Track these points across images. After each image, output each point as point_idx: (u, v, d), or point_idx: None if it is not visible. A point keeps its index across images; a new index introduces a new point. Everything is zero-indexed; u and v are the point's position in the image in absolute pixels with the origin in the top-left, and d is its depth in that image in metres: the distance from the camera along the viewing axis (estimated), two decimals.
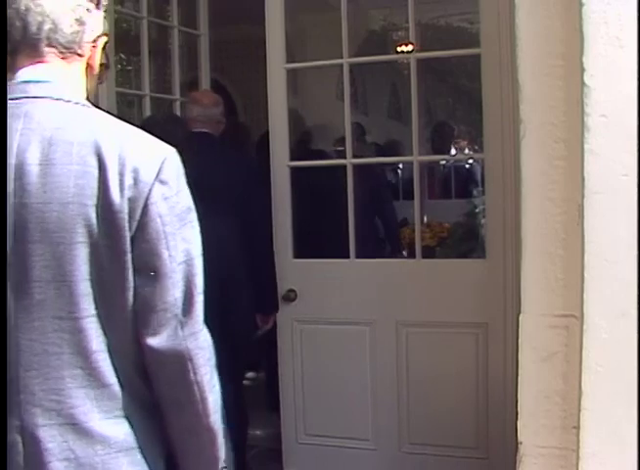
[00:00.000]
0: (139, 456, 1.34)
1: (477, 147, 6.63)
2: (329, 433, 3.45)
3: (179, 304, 1.30)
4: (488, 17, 3.11)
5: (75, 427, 1.29)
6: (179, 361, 1.31)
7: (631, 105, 1.53)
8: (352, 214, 3.34)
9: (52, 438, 1.28)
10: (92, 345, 1.29)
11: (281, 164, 3.41)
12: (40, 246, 1.26)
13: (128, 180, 1.27)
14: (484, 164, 3.22)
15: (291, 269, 3.42)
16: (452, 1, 6.05)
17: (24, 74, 1.35)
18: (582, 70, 1.59)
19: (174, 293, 1.30)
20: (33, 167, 1.27)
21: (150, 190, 1.28)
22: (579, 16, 1.59)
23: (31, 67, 1.36)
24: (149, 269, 1.29)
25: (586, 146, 1.60)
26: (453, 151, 5.97)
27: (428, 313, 3.26)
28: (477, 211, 3.87)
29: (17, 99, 1.32)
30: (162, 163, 1.31)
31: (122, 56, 4.30)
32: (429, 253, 3.78)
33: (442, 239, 4.25)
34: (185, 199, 1.34)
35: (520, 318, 1.85)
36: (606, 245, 1.58)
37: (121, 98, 4.35)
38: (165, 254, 1.29)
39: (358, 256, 3.37)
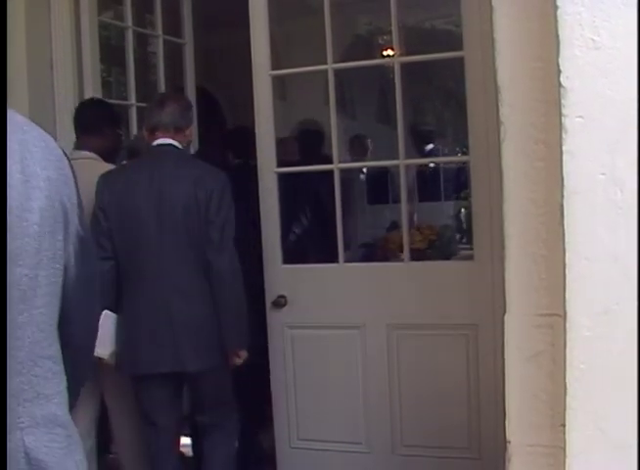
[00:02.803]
0: None
1: (465, 149, 6.66)
2: (322, 437, 3.46)
3: None
4: (470, 19, 3.13)
5: None
6: None
7: (607, 105, 1.56)
8: (340, 219, 3.36)
9: None
10: None
11: (268, 170, 3.42)
12: None
13: None
14: (470, 166, 3.24)
15: (280, 275, 3.43)
16: (436, 4, 6.08)
17: None
18: (559, 71, 1.61)
19: None
20: None
21: None
22: (555, 18, 1.61)
23: None
24: None
25: (564, 147, 1.62)
26: (429, 147, 5.93)
27: (417, 316, 3.28)
28: (465, 212, 3.89)
29: None
30: None
31: (107, 66, 4.30)
32: (420, 255, 3.79)
33: (433, 241, 4.26)
34: None
35: (505, 318, 1.87)
36: (585, 244, 1.59)
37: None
38: None
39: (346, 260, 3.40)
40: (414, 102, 4.93)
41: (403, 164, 3.39)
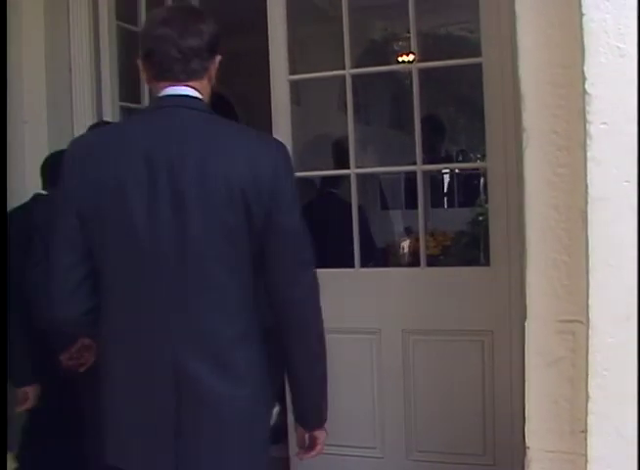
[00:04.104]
0: None
1: (479, 155, 6.68)
2: (336, 442, 3.43)
3: None
4: (489, 26, 3.14)
5: None
6: None
7: (632, 112, 1.56)
8: (357, 224, 3.37)
9: None
10: None
11: None
12: None
13: None
14: (488, 172, 3.24)
15: None
16: (452, 10, 6.08)
17: None
18: (584, 78, 1.61)
19: None
20: None
21: None
22: (580, 25, 1.62)
23: None
24: None
25: (589, 153, 1.62)
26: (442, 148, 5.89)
27: (433, 321, 3.28)
28: (480, 219, 3.89)
29: None
30: None
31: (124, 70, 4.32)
32: (433, 262, 3.80)
33: (446, 248, 4.26)
34: None
35: (525, 324, 1.87)
36: (609, 250, 1.60)
37: (123, 111, 4.38)
38: None
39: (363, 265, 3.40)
40: (428, 108, 4.89)
41: (420, 169, 3.39)
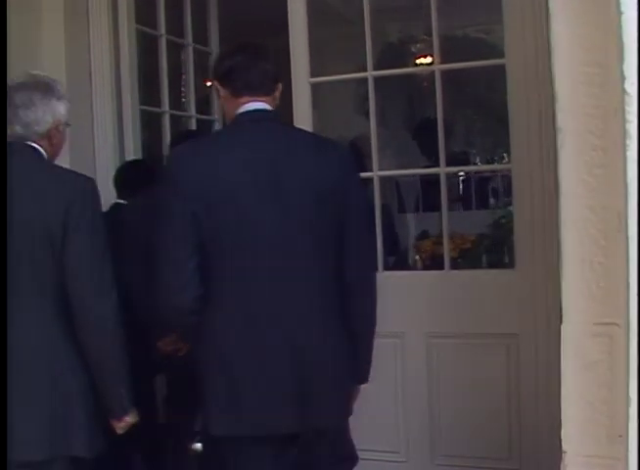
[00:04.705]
0: None
1: (495, 158, 6.68)
2: (359, 445, 3.41)
3: None
4: (512, 26, 3.12)
5: None
6: None
7: None
8: (380, 226, 3.35)
9: None
10: None
11: None
12: None
13: None
14: (512, 174, 3.22)
15: None
16: (469, 12, 6.06)
17: None
18: (623, 78, 1.59)
19: None
20: None
21: None
22: (618, 23, 1.59)
23: None
24: None
25: (628, 153, 1.60)
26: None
27: (457, 325, 3.26)
28: (502, 221, 3.87)
29: None
30: None
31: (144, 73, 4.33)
32: (451, 265, 3.77)
33: (464, 251, 4.24)
34: None
35: (561, 328, 1.84)
36: None
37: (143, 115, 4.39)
38: None
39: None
40: (446, 110, 4.87)
41: (444, 171, 3.38)
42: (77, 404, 2.16)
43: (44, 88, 2.24)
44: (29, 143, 2.21)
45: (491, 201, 5.37)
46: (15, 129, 2.20)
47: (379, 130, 3.67)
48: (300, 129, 2.42)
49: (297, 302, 2.19)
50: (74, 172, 2.34)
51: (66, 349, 2.17)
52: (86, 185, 2.22)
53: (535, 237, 3.10)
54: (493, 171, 6.15)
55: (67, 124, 2.33)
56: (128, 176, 3.72)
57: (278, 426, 2.18)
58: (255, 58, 2.28)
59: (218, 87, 2.29)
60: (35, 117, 2.19)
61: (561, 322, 1.85)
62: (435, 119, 3.34)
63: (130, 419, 2.29)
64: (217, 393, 2.17)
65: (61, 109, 2.24)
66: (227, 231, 2.13)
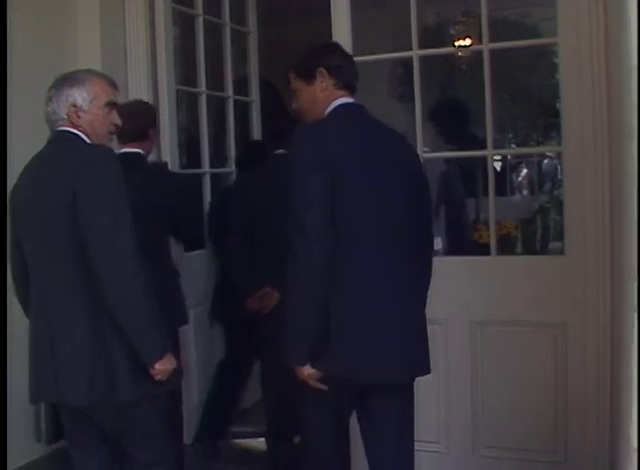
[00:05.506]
0: None
1: (532, 143, 6.53)
2: None
3: None
4: (566, 6, 2.99)
5: None
6: None
7: None
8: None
9: None
10: None
11: None
12: None
13: None
14: (563, 158, 3.11)
15: None
16: None
17: None
18: None
19: None
20: None
21: None
22: None
23: None
24: None
25: None
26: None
27: (503, 312, 3.17)
28: (547, 206, 3.76)
29: None
30: None
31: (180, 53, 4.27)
32: (486, 251, 3.67)
33: (504, 236, 4.14)
34: None
35: (635, 317, 1.75)
36: None
37: (179, 95, 4.33)
38: None
39: None
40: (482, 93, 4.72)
41: (491, 154, 3.27)
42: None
43: (60, 82, 2.44)
44: (60, 128, 2.43)
45: (537, 186, 5.25)
46: (50, 125, 2.45)
47: (408, 117, 3.61)
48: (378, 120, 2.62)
49: (408, 269, 2.51)
50: (91, 145, 2.44)
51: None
52: (98, 152, 2.37)
53: (587, 223, 2.99)
54: (530, 156, 5.99)
55: (109, 104, 2.46)
56: (243, 154, 4.45)
57: (398, 376, 2.49)
58: (354, 62, 2.62)
59: (325, 75, 2.50)
60: (53, 109, 2.42)
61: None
62: (470, 103, 3.25)
63: (161, 366, 2.35)
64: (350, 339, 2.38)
65: (74, 93, 2.39)
66: (356, 207, 2.38)
